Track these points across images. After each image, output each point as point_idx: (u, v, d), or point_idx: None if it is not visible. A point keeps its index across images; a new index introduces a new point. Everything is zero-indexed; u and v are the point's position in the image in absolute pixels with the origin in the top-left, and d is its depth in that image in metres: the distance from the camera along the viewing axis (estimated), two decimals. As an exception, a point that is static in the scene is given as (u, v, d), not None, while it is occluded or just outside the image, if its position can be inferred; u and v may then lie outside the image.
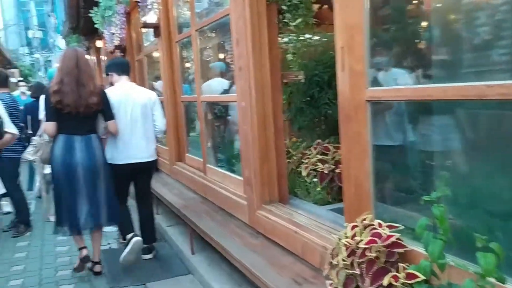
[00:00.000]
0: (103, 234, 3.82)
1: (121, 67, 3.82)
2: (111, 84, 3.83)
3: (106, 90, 3.59)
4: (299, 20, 2.75)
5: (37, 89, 5.52)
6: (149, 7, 4.12)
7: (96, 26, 6.02)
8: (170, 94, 4.84)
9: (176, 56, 4.71)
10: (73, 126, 3.35)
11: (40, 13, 40.65)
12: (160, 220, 4.71)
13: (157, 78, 5.83)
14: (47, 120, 3.38)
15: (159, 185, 4.79)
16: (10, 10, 50.05)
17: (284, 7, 2.79)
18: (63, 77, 3.31)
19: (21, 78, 11.62)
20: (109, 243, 4.36)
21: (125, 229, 3.75)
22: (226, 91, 4.05)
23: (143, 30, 5.87)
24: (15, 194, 4.79)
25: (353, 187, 2.03)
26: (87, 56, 11.30)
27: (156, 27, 4.81)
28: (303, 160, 3.18)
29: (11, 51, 37.48)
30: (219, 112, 4.22)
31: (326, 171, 2.94)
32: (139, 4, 4.39)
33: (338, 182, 2.86)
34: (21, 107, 5.27)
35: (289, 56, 2.87)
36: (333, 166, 2.97)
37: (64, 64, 3.37)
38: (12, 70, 20.55)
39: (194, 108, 4.50)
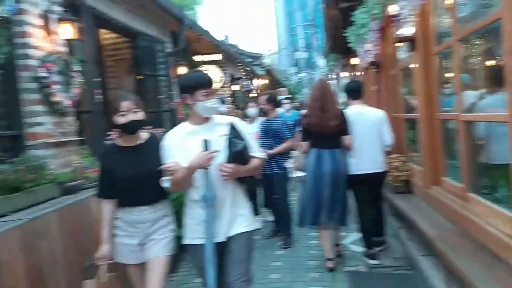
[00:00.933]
0: (353, 254, 4.51)
1: (354, 93, 4.44)
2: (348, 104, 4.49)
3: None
4: None
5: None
6: (404, 19, 3.86)
7: (350, 45, 6.10)
8: (426, 111, 4.43)
9: (433, 69, 4.29)
10: (322, 142, 4.09)
11: (307, 35, 44.87)
12: (412, 247, 4.35)
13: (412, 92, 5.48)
14: (302, 140, 4.30)
15: (411, 210, 4.44)
16: (283, 36, 57.17)
17: None
18: (311, 104, 4.14)
19: (287, 96, 12.97)
20: (357, 265, 4.28)
21: (367, 238, 4.37)
22: (475, 104, 3.52)
23: (398, 44, 5.65)
24: (282, 206, 5.19)
25: None
26: (347, 73, 11.75)
27: (411, 40, 4.50)
28: None
29: (282, 72, 42.73)
30: (483, 131, 3.61)
31: None
32: (394, 18, 4.19)
33: None
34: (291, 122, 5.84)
35: None
36: None
37: (312, 94, 4.22)
38: (281, 89, 23.27)
39: (453, 125, 3.99)
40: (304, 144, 4.20)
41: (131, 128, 2.67)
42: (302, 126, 4.23)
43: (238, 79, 12.00)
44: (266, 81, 17.60)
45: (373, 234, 4.38)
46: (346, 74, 12.40)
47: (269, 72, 16.46)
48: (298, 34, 48.94)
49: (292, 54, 51.93)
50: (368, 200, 4.37)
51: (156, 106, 6.47)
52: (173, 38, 7.05)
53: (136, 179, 2.66)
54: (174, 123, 6.67)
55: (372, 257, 4.30)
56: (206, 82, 2.53)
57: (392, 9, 4.31)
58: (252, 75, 15.03)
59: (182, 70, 7.17)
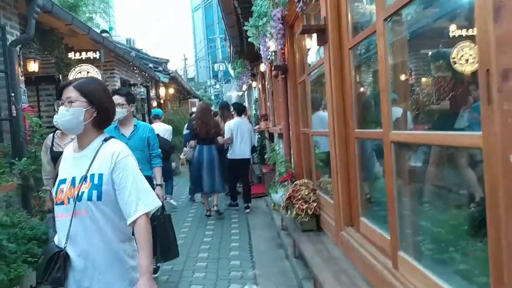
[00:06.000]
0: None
1: (238, 111, 7.48)
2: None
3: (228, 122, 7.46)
4: None
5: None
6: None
7: (249, 39, 4.85)
8: (339, 126, 3.27)
9: (349, 69, 3.14)
10: (203, 140, 6.98)
11: (223, 48, 43.96)
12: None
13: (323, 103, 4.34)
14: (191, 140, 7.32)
15: (320, 262, 3.20)
16: (201, 47, 55.86)
17: None
18: (197, 117, 7.13)
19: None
20: None
21: (233, 196, 7.63)
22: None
23: (307, 41, 4.52)
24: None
25: None
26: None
27: (321, 30, 3.35)
28: None
29: (201, 84, 41.25)
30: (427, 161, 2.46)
31: None
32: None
33: None
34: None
35: None
36: None
37: (197, 111, 7.49)
38: (193, 99, 21.84)
39: (379, 148, 2.85)
40: (193, 142, 7.07)
41: None
42: (191, 131, 7.30)
43: (133, 85, 10.36)
44: (172, 90, 15.97)
45: (236, 196, 7.58)
46: (255, 84, 11.27)
47: (174, 80, 14.87)
48: (216, 46, 47.86)
49: (211, 66, 50.71)
50: (238, 175, 7.44)
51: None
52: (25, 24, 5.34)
53: None
54: (16, 135, 4.95)
55: (233, 206, 7.52)
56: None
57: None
58: (155, 82, 13.40)
59: (35, 66, 5.48)
